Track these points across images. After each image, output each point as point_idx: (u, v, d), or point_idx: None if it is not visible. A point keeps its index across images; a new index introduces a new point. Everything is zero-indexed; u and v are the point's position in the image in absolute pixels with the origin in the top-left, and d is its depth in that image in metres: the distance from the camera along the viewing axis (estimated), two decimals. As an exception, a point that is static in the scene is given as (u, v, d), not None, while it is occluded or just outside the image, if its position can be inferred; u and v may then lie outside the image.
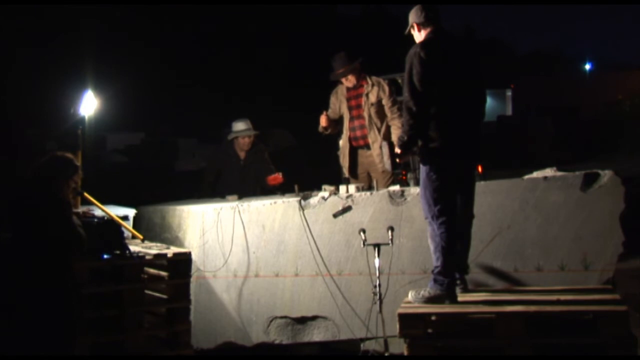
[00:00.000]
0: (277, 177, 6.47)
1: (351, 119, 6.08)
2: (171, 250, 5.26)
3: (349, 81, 6.04)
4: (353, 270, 5.18)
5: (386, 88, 5.98)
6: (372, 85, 6.00)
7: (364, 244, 4.82)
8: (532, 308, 3.96)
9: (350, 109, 6.08)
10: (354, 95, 6.09)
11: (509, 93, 32.83)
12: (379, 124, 5.97)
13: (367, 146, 6.04)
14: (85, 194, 5.18)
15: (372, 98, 5.96)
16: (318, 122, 6.11)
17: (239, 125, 6.83)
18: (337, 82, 6.20)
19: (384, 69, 6.72)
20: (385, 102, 5.95)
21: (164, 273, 5.20)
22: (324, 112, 6.09)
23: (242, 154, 6.88)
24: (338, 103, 6.17)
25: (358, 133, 6.07)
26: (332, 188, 5.43)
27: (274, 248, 5.45)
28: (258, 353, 5.54)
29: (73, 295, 4.25)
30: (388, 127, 5.97)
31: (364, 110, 5.99)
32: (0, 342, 4.11)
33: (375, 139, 5.94)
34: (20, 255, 4.19)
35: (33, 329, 4.07)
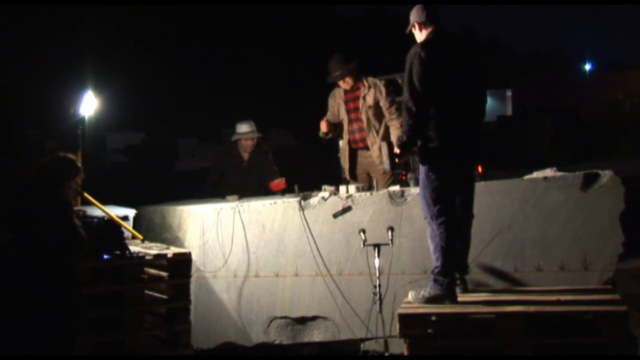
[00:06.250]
0: (279, 183, 6.44)
1: (350, 122, 6.06)
2: (171, 251, 5.25)
3: (346, 83, 6.01)
4: (353, 270, 5.18)
5: (383, 89, 5.95)
6: (369, 87, 5.96)
7: (364, 244, 4.81)
8: (532, 308, 3.96)
9: (348, 112, 6.06)
10: (351, 98, 6.06)
11: (509, 93, 32.79)
12: (377, 125, 5.95)
13: (367, 148, 6.03)
14: (85, 194, 5.18)
15: (370, 100, 5.94)
16: (318, 127, 6.09)
17: (243, 127, 6.83)
18: (335, 84, 6.19)
19: (384, 70, 6.71)
20: (383, 103, 5.93)
21: (164, 273, 5.20)
22: (324, 118, 6.07)
23: (245, 155, 6.89)
24: (336, 105, 6.15)
25: (357, 136, 6.05)
26: (332, 188, 5.43)
27: (274, 248, 5.45)
28: (258, 353, 5.54)
29: (73, 295, 4.25)
30: (387, 128, 5.95)
31: (361, 113, 5.97)
32: (0, 342, 4.11)
33: (374, 140, 5.92)
34: (21, 255, 4.19)
35: (33, 329, 4.06)
